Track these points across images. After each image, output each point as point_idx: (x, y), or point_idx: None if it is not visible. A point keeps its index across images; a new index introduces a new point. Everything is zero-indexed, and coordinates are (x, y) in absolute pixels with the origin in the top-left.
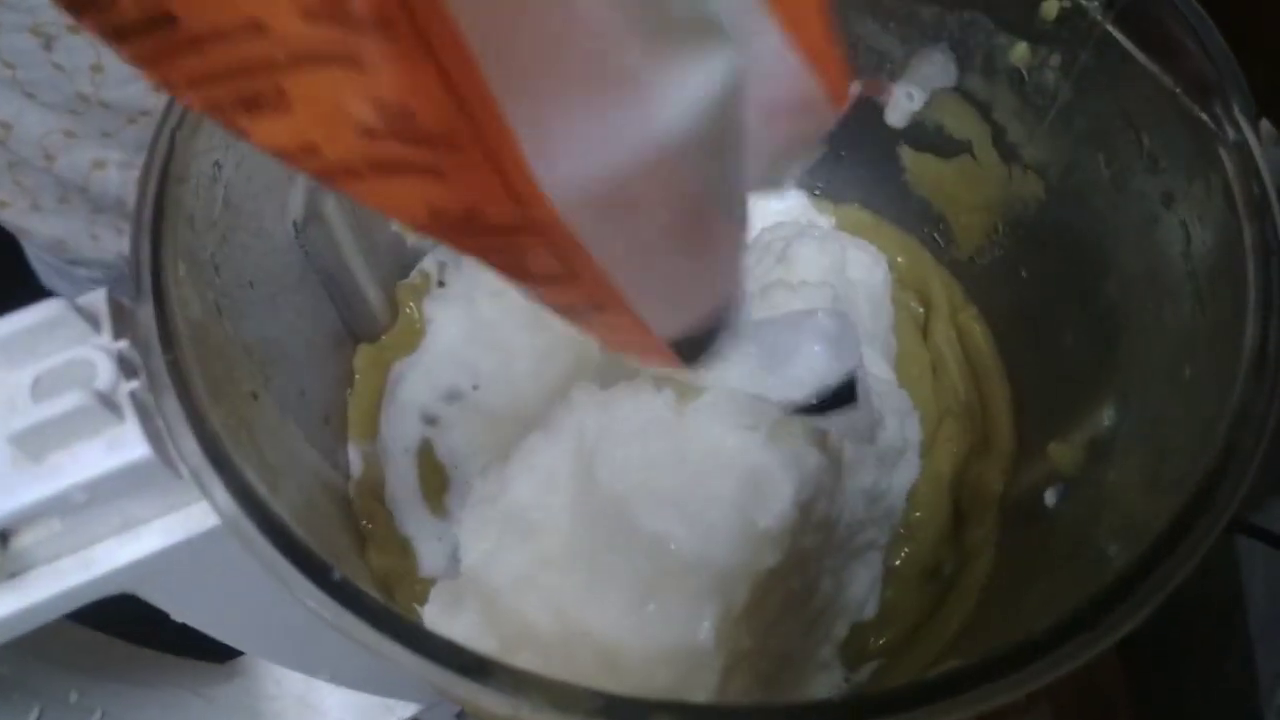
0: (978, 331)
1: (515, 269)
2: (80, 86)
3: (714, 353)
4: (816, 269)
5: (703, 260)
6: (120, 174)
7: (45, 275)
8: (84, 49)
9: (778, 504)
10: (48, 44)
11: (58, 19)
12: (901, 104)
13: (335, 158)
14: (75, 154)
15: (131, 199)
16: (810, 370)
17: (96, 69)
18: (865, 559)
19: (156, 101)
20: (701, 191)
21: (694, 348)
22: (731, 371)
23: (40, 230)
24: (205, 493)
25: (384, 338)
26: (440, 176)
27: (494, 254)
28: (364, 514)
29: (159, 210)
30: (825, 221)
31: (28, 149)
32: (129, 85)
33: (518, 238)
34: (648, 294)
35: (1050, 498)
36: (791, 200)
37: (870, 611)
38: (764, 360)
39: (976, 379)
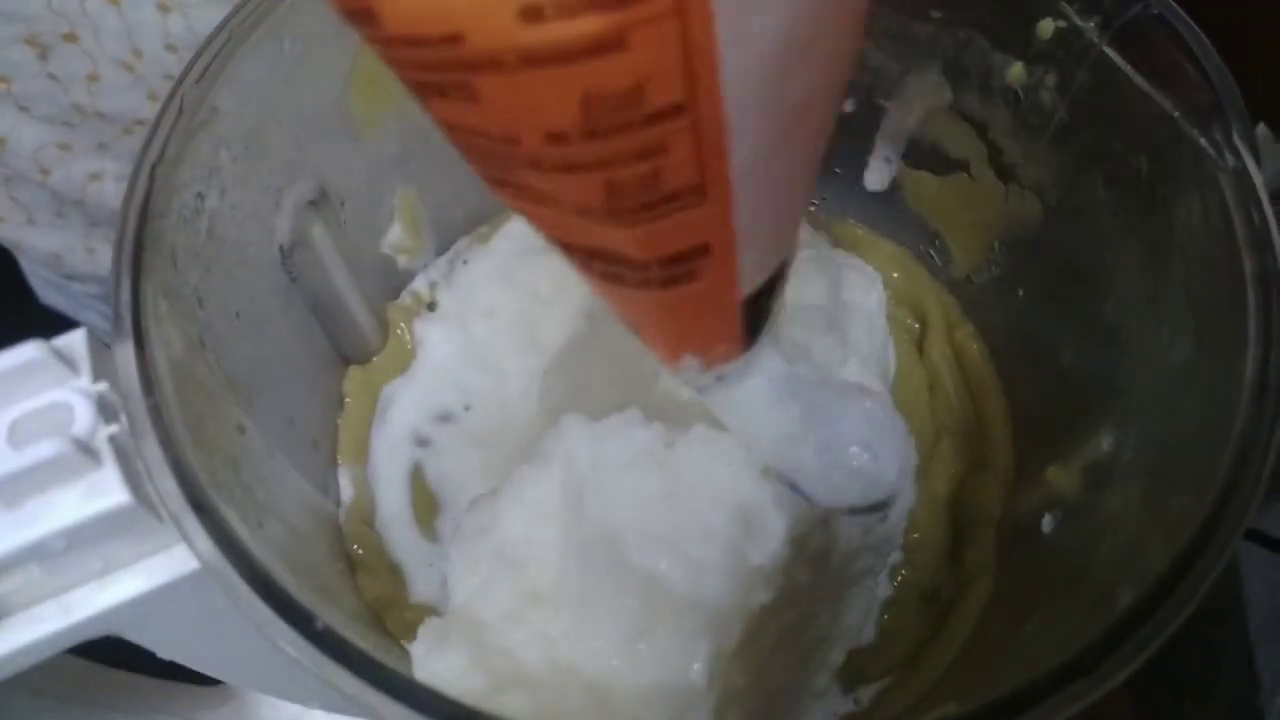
0: (974, 349)
1: (642, 184)
2: (76, 97)
3: (766, 330)
4: (811, 292)
5: (808, 175)
6: (116, 186)
7: (41, 289)
8: (79, 58)
9: (770, 540)
10: (43, 54)
11: (54, 29)
12: (879, 169)
13: (481, 47)
14: (71, 167)
15: None
16: (849, 472)
17: (92, 78)
18: (861, 586)
19: (152, 111)
20: (834, 61)
21: (756, 315)
22: (766, 427)
23: (36, 244)
24: (186, 538)
25: (374, 359)
26: (615, 48)
27: (628, 162)
28: (354, 540)
29: (138, 247)
30: (820, 238)
31: (23, 163)
32: (125, 95)
33: (671, 127)
34: (755, 221)
35: (1048, 524)
36: None
37: (868, 636)
38: (802, 426)
39: (973, 398)
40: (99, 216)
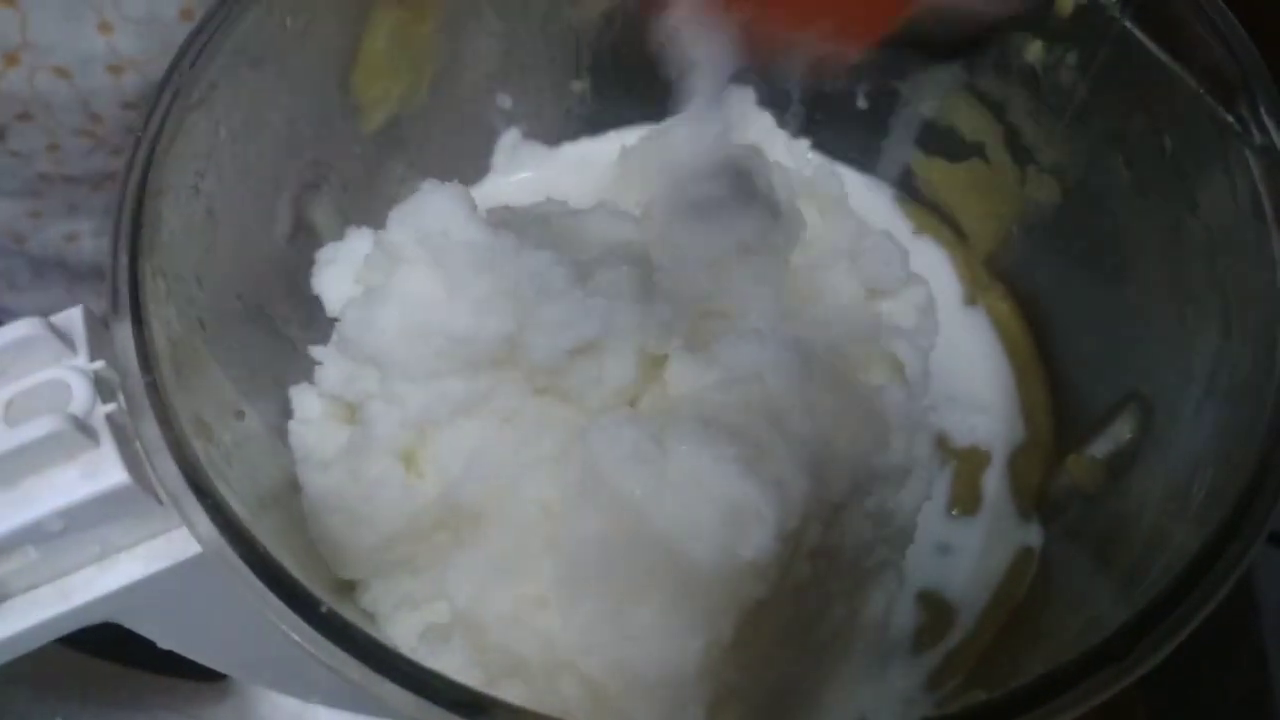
0: (1005, 311)
1: None
2: (39, 168)
3: None
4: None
5: None
6: (94, 242)
7: None
8: (37, 134)
9: (759, 535)
10: (1, 135)
11: (6, 110)
12: (892, 156)
13: None
14: (46, 232)
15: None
16: None
17: (53, 149)
18: (880, 580)
19: (119, 166)
20: None
21: None
22: None
23: (19, 306)
24: (186, 521)
25: None
26: None
27: None
28: None
29: (136, 224)
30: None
31: None
32: (89, 158)
33: None
34: None
35: (1071, 512)
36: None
37: (908, 623)
38: None
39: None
40: (80, 272)
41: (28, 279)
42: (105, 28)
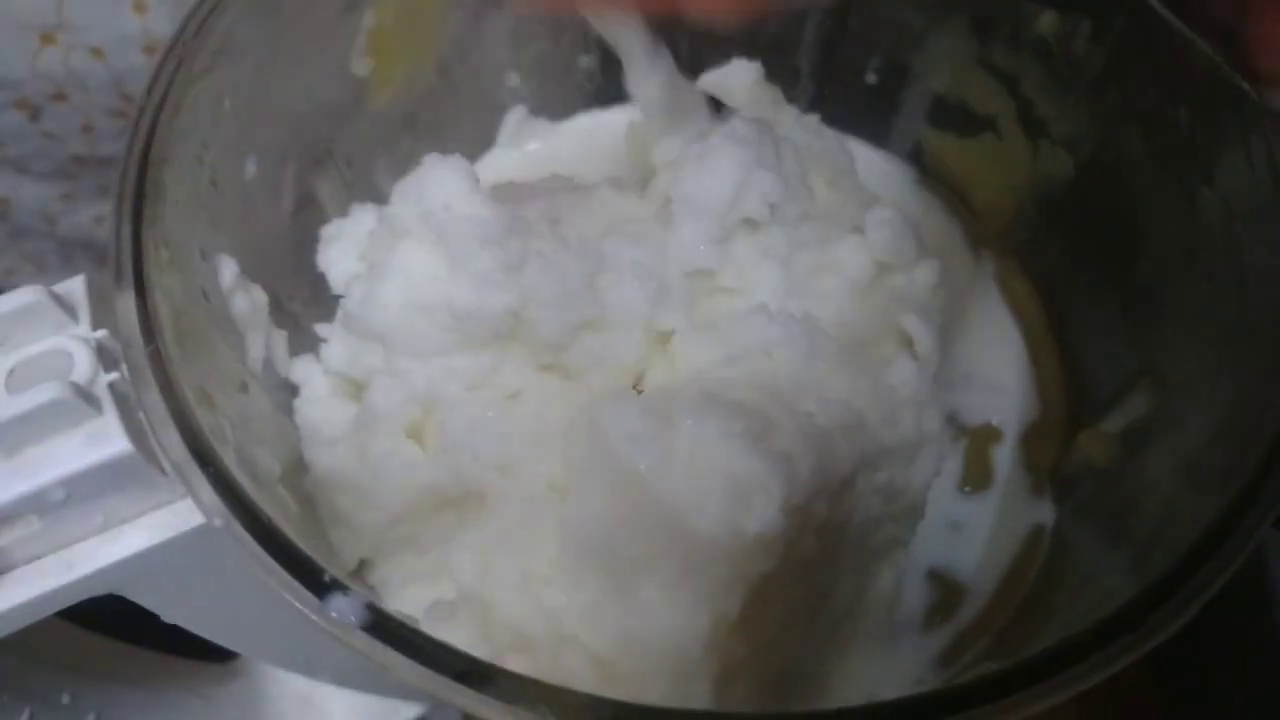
0: (1018, 286)
1: None
2: (73, 149)
3: None
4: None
5: None
6: None
7: None
8: (71, 114)
9: (765, 509)
10: (34, 116)
11: (42, 90)
12: (902, 132)
13: None
14: (76, 215)
15: None
16: None
17: (87, 130)
18: (889, 557)
19: None
20: None
21: None
22: None
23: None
24: (190, 490)
25: None
26: None
27: None
28: None
29: (139, 194)
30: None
31: (29, 218)
32: (121, 138)
33: None
34: None
35: (1083, 487)
36: None
37: (918, 601)
38: None
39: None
40: (108, 255)
41: (57, 262)
42: (139, 8)
